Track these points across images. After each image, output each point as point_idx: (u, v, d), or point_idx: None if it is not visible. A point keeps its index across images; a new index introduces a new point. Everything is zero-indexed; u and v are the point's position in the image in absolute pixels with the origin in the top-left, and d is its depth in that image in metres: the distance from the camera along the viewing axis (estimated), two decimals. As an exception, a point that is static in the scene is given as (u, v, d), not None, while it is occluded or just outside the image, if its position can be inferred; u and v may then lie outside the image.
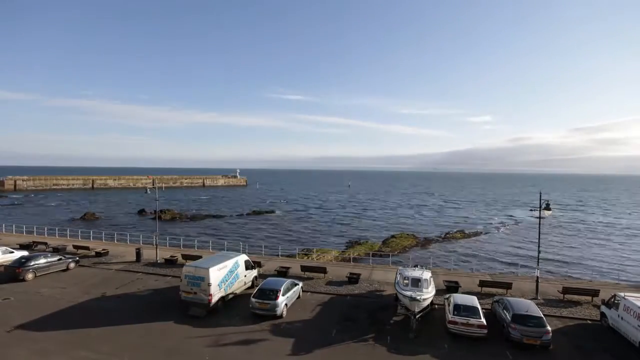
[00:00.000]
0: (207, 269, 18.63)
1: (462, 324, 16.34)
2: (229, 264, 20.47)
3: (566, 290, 21.59)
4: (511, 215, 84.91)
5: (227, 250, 31.23)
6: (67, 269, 25.87)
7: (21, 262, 23.79)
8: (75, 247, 31.39)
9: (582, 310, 19.97)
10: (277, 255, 34.02)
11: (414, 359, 14.84)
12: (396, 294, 19.86)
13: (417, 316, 17.08)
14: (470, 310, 16.78)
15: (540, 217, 22.81)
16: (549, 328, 15.68)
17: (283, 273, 25.22)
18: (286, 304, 18.96)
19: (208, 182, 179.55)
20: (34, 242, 33.36)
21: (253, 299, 18.44)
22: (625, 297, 16.84)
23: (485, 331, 16.14)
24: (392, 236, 54.51)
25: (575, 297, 21.57)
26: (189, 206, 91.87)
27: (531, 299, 19.88)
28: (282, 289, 18.77)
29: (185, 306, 18.96)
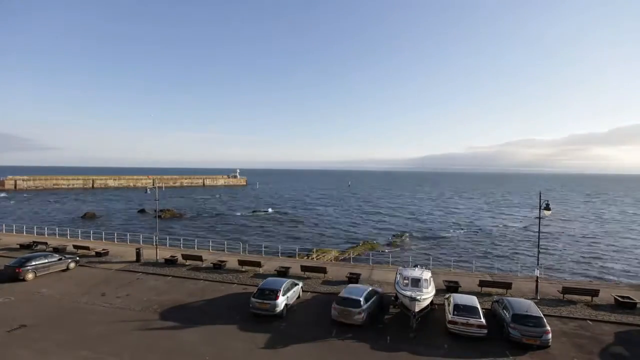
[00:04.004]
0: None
1: (462, 324, 16.33)
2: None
3: (566, 290, 21.58)
4: (512, 215, 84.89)
5: (226, 250, 31.30)
6: (67, 268, 25.85)
7: (21, 262, 23.79)
8: (75, 247, 31.37)
9: (582, 310, 19.97)
10: (277, 255, 34.02)
11: (414, 359, 14.86)
12: (396, 293, 19.89)
13: (417, 316, 17.09)
14: (470, 310, 16.76)
15: (540, 217, 22.79)
16: (548, 328, 15.68)
17: (283, 273, 25.21)
18: (286, 304, 18.91)
19: (208, 182, 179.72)
20: (34, 242, 33.32)
21: (253, 299, 18.42)
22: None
23: (485, 331, 16.14)
24: (392, 236, 54.62)
25: (575, 297, 21.57)
26: (189, 206, 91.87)
27: (531, 299, 19.87)
28: (282, 289, 18.72)
29: (184, 306, 18.96)
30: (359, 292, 18.50)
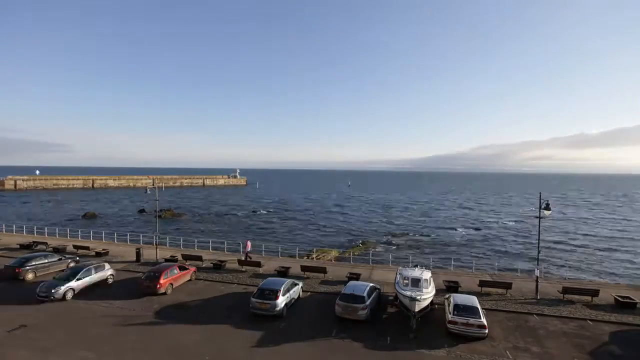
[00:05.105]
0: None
1: (462, 324, 16.34)
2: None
3: (566, 290, 21.58)
4: (512, 215, 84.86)
5: (226, 250, 31.26)
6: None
7: (21, 262, 23.79)
8: (75, 247, 31.39)
9: (582, 310, 19.96)
10: (277, 255, 34.02)
11: (414, 359, 14.85)
12: (395, 293, 19.88)
13: (417, 316, 17.09)
14: (470, 310, 16.79)
15: (540, 217, 22.78)
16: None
17: (283, 273, 25.23)
18: (286, 304, 18.93)
19: (208, 182, 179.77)
20: (34, 242, 33.32)
21: (253, 299, 18.45)
22: None
23: (486, 331, 16.16)
24: (392, 236, 54.62)
25: (575, 297, 21.57)
26: (189, 206, 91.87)
27: (531, 299, 19.89)
28: (282, 289, 18.75)
29: (184, 306, 18.95)
30: (362, 288, 18.94)
